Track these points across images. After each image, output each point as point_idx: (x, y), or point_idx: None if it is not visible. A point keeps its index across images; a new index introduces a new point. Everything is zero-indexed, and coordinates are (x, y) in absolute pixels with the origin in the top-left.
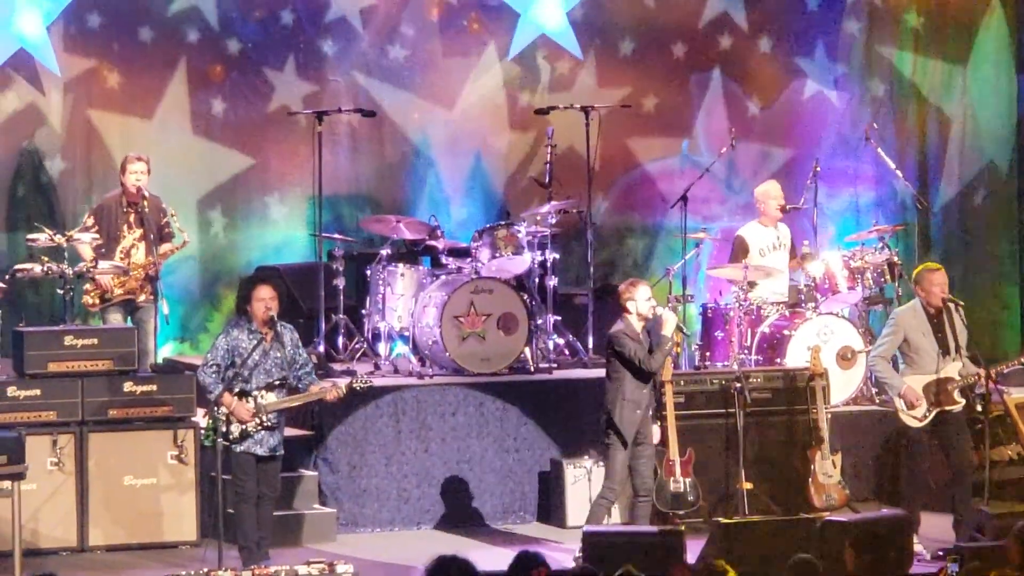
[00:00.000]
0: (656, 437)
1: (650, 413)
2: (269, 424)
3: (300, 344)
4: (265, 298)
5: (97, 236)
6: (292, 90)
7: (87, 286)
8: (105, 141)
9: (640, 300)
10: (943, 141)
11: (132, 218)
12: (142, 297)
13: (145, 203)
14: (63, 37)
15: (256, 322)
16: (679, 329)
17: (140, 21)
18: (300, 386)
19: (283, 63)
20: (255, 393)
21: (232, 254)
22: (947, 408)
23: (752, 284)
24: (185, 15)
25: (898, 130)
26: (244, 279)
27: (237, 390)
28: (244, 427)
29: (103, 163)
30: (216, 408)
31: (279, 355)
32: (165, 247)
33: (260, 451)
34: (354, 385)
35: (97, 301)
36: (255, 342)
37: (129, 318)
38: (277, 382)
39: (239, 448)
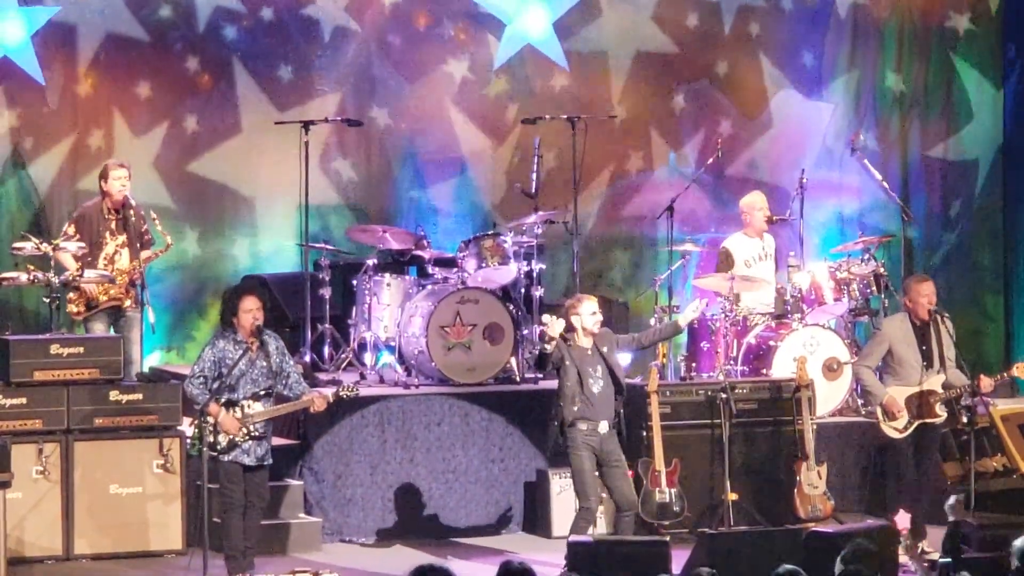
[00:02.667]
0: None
1: (611, 430)
2: (256, 434)
3: (286, 352)
4: (252, 309)
5: (83, 245)
6: (279, 99)
7: (71, 295)
8: (90, 149)
9: (585, 315)
10: (927, 152)
11: (114, 224)
12: (127, 303)
13: (131, 210)
14: (47, 46)
15: (242, 333)
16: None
17: (125, 29)
18: (290, 394)
19: (270, 72)
20: (242, 403)
21: (219, 263)
22: (928, 421)
23: (736, 296)
24: (172, 23)
25: (882, 141)
26: (229, 290)
27: (224, 400)
28: (232, 437)
29: (88, 171)
30: (203, 418)
31: (265, 364)
32: (146, 253)
33: (248, 460)
34: (340, 393)
35: (82, 309)
36: (241, 352)
37: (112, 327)
38: (264, 391)
39: (227, 458)
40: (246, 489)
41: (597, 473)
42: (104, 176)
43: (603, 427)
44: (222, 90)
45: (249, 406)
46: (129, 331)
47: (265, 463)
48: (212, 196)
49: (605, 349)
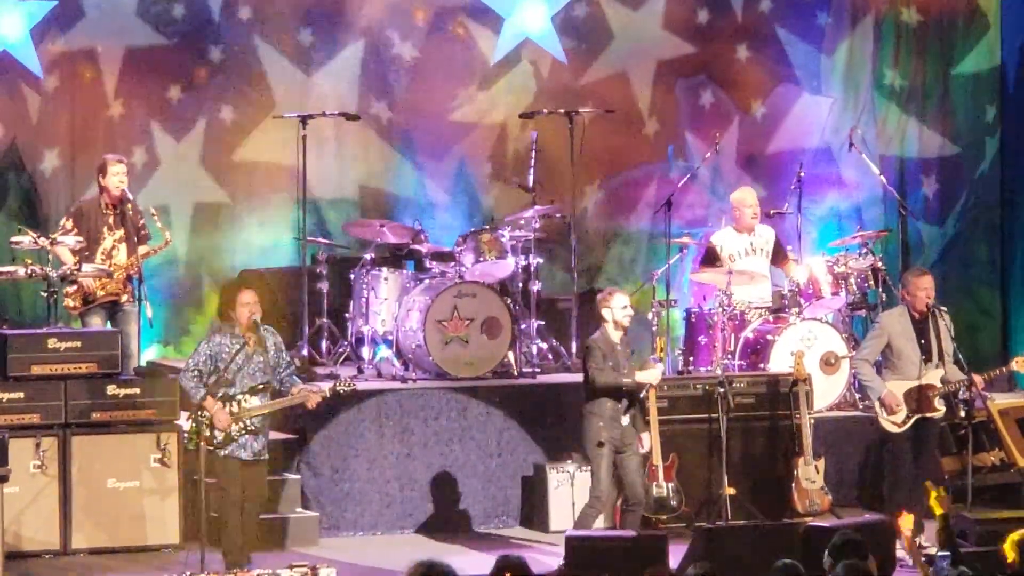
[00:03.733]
0: (645, 446)
1: (629, 422)
2: (252, 428)
3: (283, 348)
4: (249, 303)
5: (81, 240)
6: (277, 93)
7: (68, 289)
8: (88, 144)
9: (616, 308)
10: (924, 147)
11: (112, 220)
12: (124, 298)
13: (128, 205)
14: (46, 40)
15: (239, 327)
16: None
17: (124, 23)
18: (283, 389)
19: (268, 66)
20: (239, 397)
21: (216, 258)
22: (927, 415)
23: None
24: (169, 16)
25: (880, 136)
26: (226, 284)
27: (220, 395)
28: (227, 431)
29: (86, 166)
30: (200, 412)
31: (262, 359)
32: (144, 248)
33: (244, 455)
34: (337, 388)
35: (79, 304)
36: (238, 347)
37: (109, 322)
38: (260, 386)
39: (223, 452)
40: (243, 484)
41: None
42: (102, 172)
43: (626, 420)
44: (221, 83)
45: (246, 400)
46: (126, 326)
47: (262, 458)
48: (210, 189)
49: (631, 351)
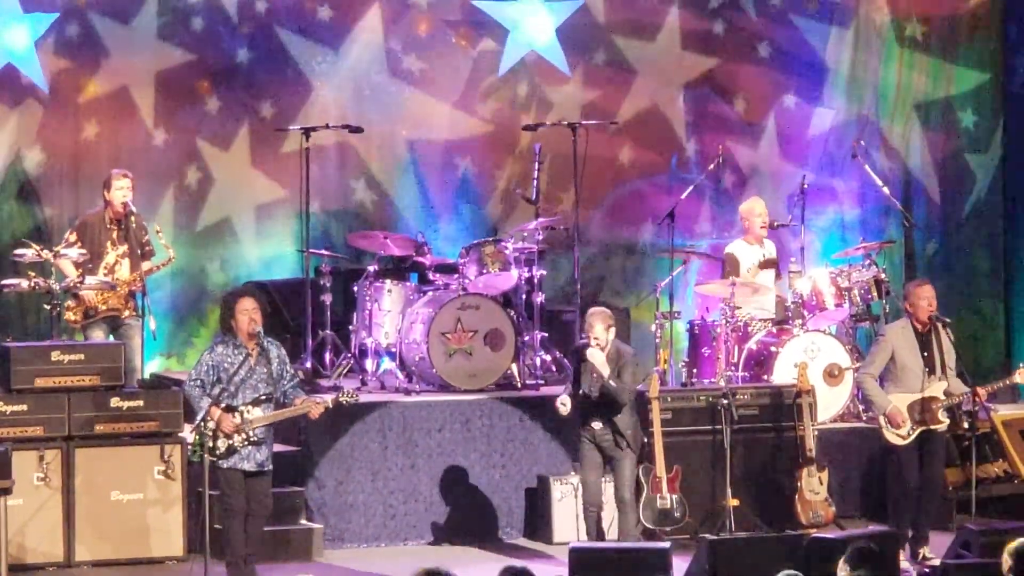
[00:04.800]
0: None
1: (604, 427)
2: (256, 439)
3: (287, 360)
4: (248, 309)
5: (84, 252)
6: (280, 105)
7: (69, 302)
8: (92, 156)
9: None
10: (927, 158)
11: (116, 234)
12: (126, 313)
13: (132, 219)
14: (51, 52)
15: (241, 336)
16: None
17: (126, 36)
18: (286, 400)
19: (271, 78)
20: (241, 408)
21: (219, 270)
22: (931, 427)
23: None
24: (172, 29)
25: (884, 147)
26: (226, 294)
27: (224, 406)
28: (231, 443)
29: (89, 178)
30: (204, 424)
31: (265, 371)
32: (147, 264)
33: (247, 466)
34: (340, 399)
35: (80, 317)
36: (241, 358)
37: (111, 335)
38: (263, 397)
39: (226, 464)
40: (248, 496)
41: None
42: (107, 186)
43: (596, 423)
44: (223, 96)
45: (248, 411)
46: (129, 340)
47: (265, 469)
48: (213, 202)
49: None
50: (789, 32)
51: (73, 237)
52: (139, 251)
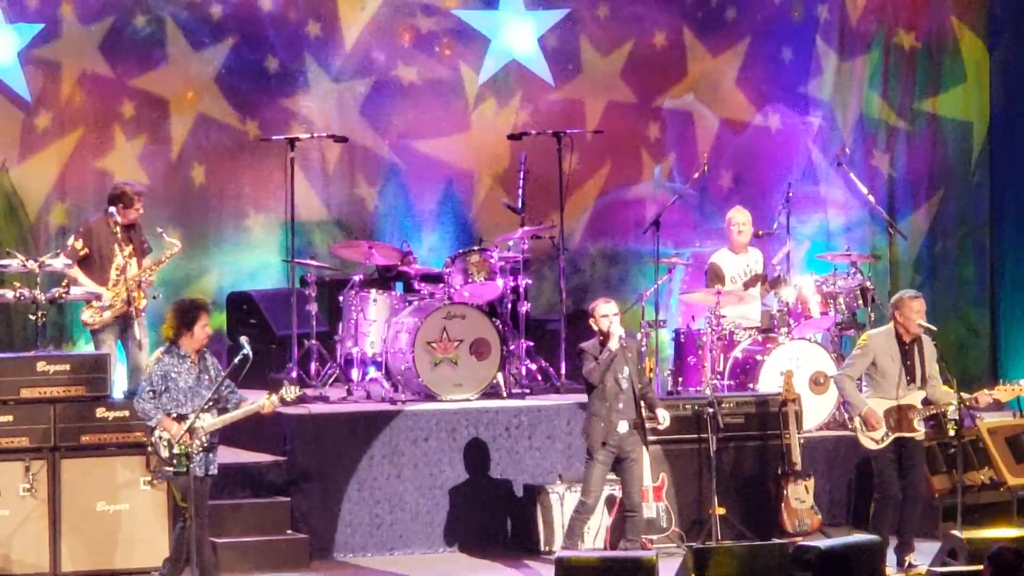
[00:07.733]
0: (663, 422)
1: (630, 429)
2: (207, 445)
3: (218, 364)
4: (208, 323)
5: (69, 261)
6: (265, 115)
7: (95, 303)
8: (78, 165)
9: (597, 316)
10: (913, 166)
11: (121, 236)
12: (143, 303)
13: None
14: (34, 63)
15: (192, 347)
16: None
17: (110, 45)
18: (228, 405)
19: (256, 88)
20: (190, 416)
21: (205, 280)
22: (906, 435)
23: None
24: (156, 39)
25: (868, 156)
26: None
27: (175, 415)
28: (188, 450)
29: (75, 189)
30: (158, 435)
31: (208, 377)
32: (147, 261)
33: (199, 472)
34: (284, 396)
35: (99, 317)
36: (186, 366)
37: (122, 335)
38: (211, 403)
39: (184, 470)
40: (196, 502)
41: (613, 472)
42: (125, 203)
43: (623, 426)
44: (208, 105)
45: (200, 419)
46: (140, 339)
47: (211, 473)
48: (198, 211)
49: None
50: (774, 39)
51: (79, 243)
52: (141, 248)
